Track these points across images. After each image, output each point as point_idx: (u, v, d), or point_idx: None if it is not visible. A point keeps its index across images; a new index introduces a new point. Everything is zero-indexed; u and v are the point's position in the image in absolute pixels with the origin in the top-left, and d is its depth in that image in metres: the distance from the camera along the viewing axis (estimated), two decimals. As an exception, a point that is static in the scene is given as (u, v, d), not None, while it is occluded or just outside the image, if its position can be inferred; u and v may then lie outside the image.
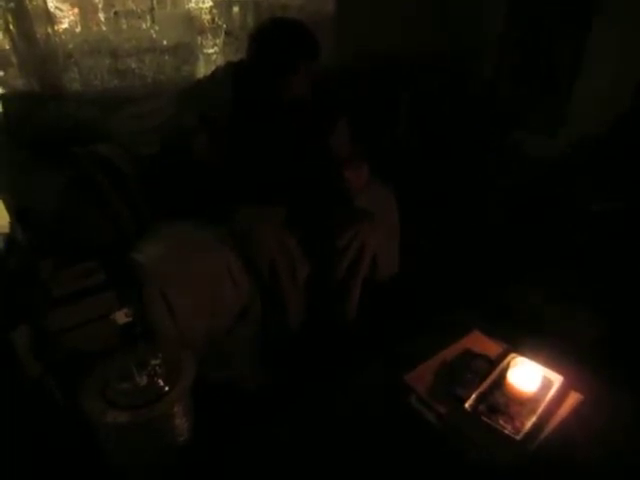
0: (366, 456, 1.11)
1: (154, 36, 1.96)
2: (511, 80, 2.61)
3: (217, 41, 2.10)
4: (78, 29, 1.82)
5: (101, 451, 1.25)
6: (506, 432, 1.08)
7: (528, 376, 1.18)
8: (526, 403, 1.15)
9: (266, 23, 1.64)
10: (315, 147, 1.71)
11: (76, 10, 1.81)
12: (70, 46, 1.80)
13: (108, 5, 1.84)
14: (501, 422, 1.11)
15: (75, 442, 1.30)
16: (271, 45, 1.56)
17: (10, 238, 1.45)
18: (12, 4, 1.63)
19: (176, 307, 1.47)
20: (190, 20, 2.03)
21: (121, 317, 1.31)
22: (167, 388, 1.22)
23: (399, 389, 1.22)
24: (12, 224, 1.46)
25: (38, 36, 1.71)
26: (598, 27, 2.22)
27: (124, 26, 1.90)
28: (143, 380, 1.22)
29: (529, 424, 1.10)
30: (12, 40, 1.67)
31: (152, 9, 1.92)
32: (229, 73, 1.68)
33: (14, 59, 1.71)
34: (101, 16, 1.86)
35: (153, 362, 1.26)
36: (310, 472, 1.08)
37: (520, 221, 2.14)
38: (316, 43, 1.59)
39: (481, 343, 1.36)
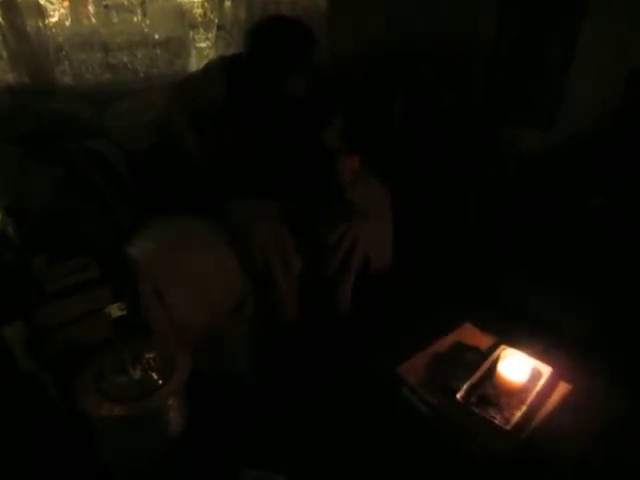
0: (360, 448, 1.12)
1: (145, 30, 1.95)
2: (505, 76, 2.62)
3: (209, 35, 2.09)
4: (68, 22, 1.81)
5: (96, 446, 1.25)
6: (496, 422, 1.10)
7: (518, 367, 1.19)
8: (516, 394, 1.17)
9: (263, 22, 1.61)
10: (310, 141, 1.71)
11: (66, 3, 1.79)
12: (60, 39, 1.79)
13: (98, -2, 1.83)
14: (492, 413, 1.13)
15: (70, 438, 1.30)
16: (270, 47, 1.54)
17: (0, 234, 1.44)
18: (1, -3, 1.62)
19: (170, 301, 1.47)
20: (182, 14, 2.02)
21: (115, 311, 1.31)
22: (161, 382, 1.23)
23: (392, 381, 1.23)
24: (2, 220, 1.45)
25: (28, 29, 1.69)
26: (589, 24, 2.24)
27: (115, 19, 1.89)
28: (137, 374, 1.22)
29: (519, 414, 1.11)
30: (2, 33, 1.66)
31: (143, 2, 1.91)
32: (222, 67, 1.67)
33: (4, 53, 1.69)
34: (91, 9, 1.84)
35: (147, 356, 1.26)
36: (306, 467, 1.09)
37: (515, 216, 2.16)
38: (314, 42, 1.58)
39: (472, 335, 1.37)
